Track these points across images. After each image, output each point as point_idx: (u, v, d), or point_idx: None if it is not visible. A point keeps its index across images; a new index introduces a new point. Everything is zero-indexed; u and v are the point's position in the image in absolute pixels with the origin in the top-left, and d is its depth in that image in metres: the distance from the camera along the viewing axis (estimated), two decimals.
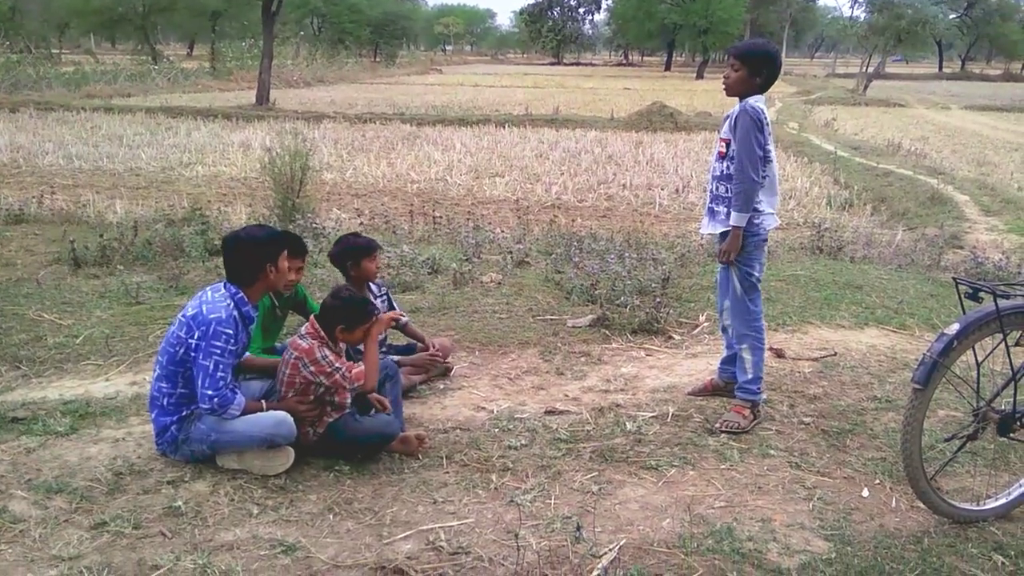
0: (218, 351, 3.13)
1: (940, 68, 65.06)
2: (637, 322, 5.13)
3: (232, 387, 3.24)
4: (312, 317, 3.43)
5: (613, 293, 5.53)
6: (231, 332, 3.16)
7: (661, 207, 10.45)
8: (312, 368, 3.29)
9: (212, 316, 3.14)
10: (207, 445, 3.23)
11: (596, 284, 5.73)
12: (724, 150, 3.67)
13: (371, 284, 4.20)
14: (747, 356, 3.81)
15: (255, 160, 11.79)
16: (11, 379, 4.15)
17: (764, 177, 3.61)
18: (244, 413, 3.24)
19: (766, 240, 3.79)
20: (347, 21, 54.09)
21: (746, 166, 3.55)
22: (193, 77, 31.94)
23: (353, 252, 4.08)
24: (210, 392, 3.14)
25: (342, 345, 3.48)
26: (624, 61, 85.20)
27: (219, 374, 3.14)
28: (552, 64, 73.89)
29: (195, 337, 3.14)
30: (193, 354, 3.15)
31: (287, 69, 35.05)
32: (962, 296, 2.98)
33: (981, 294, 2.91)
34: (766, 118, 3.60)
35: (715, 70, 57.63)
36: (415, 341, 4.38)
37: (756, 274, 3.76)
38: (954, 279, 3.04)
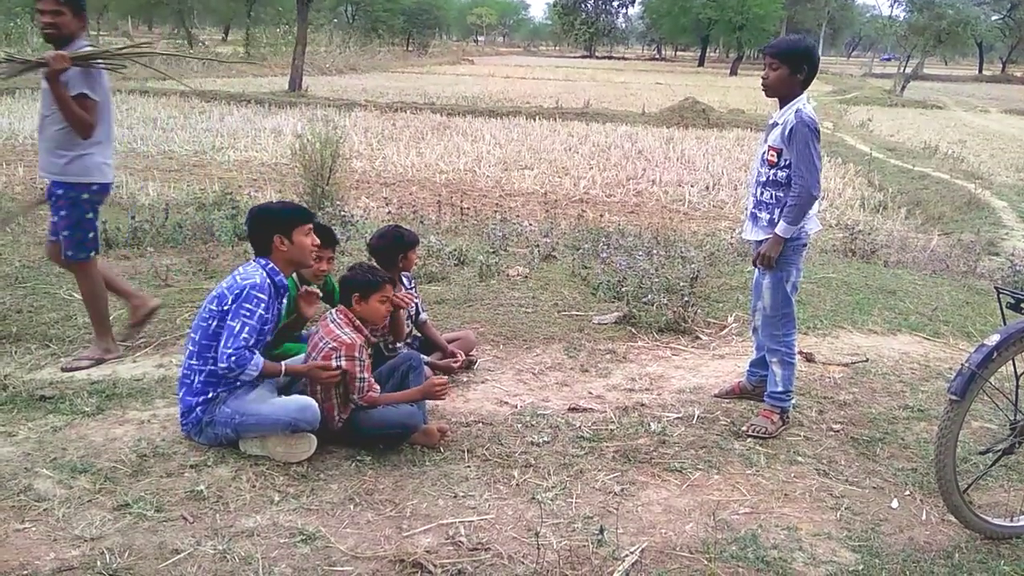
0: (247, 313, 3.16)
1: (980, 70, 63.73)
2: (664, 321, 5.07)
3: (252, 349, 3.23)
4: (341, 306, 3.42)
5: (640, 290, 5.47)
6: (264, 297, 3.20)
7: (691, 204, 10.34)
8: (345, 362, 3.27)
9: (247, 282, 3.20)
10: (231, 428, 3.25)
11: (623, 281, 5.67)
12: (774, 159, 3.54)
13: (403, 276, 4.18)
14: (777, 370, 3.74)
15: (286, 146, 11.83)
16: (40, 357, 4.20)
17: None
18: (262, 375, 3.25)
19: (806, 245, 3.71)
20: (381, 9, 54.18)
21: (808, 181, 3.44)
22: (228, 62, 32.13)
23: (403, 245, 4.06)
24: (229, 350, 3.15)
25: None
26: (657, 56, 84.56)
27: (243, 335, 3.16)
28: (584, 57, 73.51)
29: (228, 303, 3.18)
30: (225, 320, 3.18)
31: (320, 56, 35.18)
32: (1003, 306, 2.89)
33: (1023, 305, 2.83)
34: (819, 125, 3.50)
35: (749, 67, 57.00)
36: (433, 341, 4.33)
37: (792, 280, 3.67)
38: (996, 288, 2.95)
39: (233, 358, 3.16)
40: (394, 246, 4.05)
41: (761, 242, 3.65)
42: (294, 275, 3.72)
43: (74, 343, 4.38)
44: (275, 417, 3.22)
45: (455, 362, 4.17)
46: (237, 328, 3.16)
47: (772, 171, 3.57)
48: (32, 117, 14.58)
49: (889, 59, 70.57)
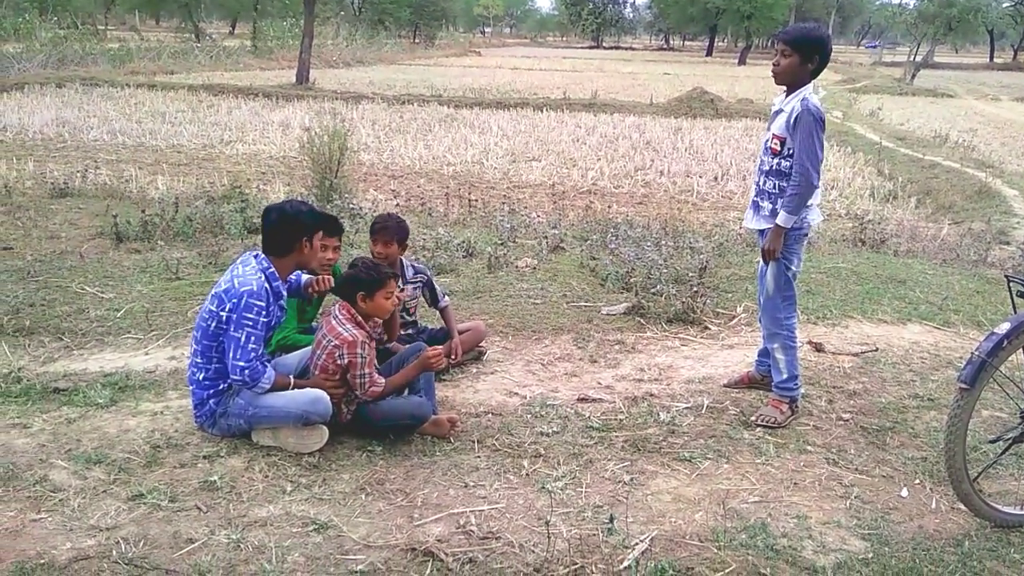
0: (250, 323, 3.16)
1: (991, 58, 63.14)
2: (673, 311, 5.07)
3: (263, 360, 3.27)
4: (344, 302, 3.42)
5: (649, 281, 5.47)
6: (263, 304, 3.19)
7: (699, 195, 10.32)
8: (347, 359, 3.29)
9: (244, 288, 3.17)
10: (244, 420, 3.27)
11: (631, 272, 5.68)
12: (778, 148, 3.54)
13: (406, 266, 4.18)
14: (780, 356, 3.74)
15: (294, 139, 11.87)
16: (53, 350, 4.23)
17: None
18: (273, 388, 3.27)
19: (807, 235, 3.71)
20: (387, 2, 54.08)
21: (808, 170, 3.44)
22: (235, 55, 32.19)
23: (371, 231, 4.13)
24: (241, 363, 3.16)
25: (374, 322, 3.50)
26: (665, 45, 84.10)
27: (251, 346, 3.17)
28: (591, 48, 73.20)
29: (227, 310, 3.17)
30: (224, 327, 3.18)
31: (327, 49, 35.16)
32: (1014, 294, 2.89)
33: None
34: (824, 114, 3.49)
35: (758, 56, 56.65)
36: (448, 328, 4.34)
37: (794, 268, 3.68)
38: (1007, 277, 2.95)
39: (247, 371, 3.18)
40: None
41: (763, 231, 3.66)
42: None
43: (87, 336, 4.42)
44: (288, 410, 3.25)
45: (454, 357, 4.17)
46: (243, 339, 3.16)
47: (776, 160, 3.56)
48: (42, 112, 14.65)
49: (875, 46, 70.20)
